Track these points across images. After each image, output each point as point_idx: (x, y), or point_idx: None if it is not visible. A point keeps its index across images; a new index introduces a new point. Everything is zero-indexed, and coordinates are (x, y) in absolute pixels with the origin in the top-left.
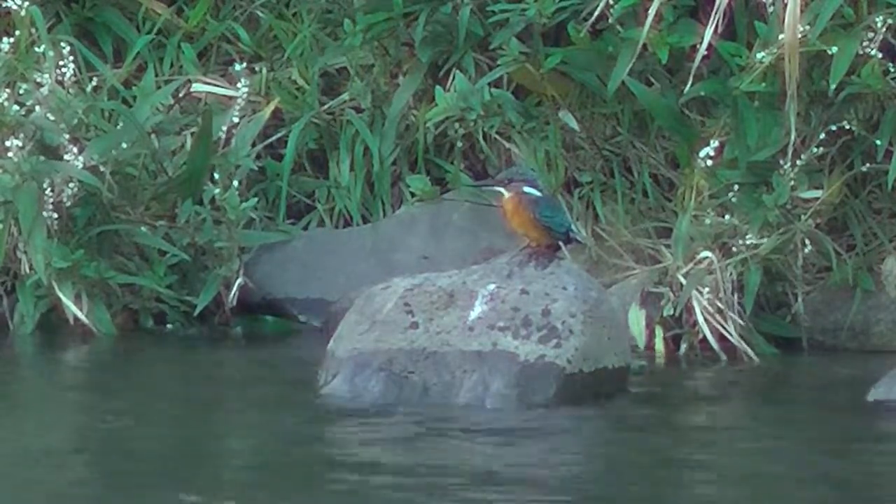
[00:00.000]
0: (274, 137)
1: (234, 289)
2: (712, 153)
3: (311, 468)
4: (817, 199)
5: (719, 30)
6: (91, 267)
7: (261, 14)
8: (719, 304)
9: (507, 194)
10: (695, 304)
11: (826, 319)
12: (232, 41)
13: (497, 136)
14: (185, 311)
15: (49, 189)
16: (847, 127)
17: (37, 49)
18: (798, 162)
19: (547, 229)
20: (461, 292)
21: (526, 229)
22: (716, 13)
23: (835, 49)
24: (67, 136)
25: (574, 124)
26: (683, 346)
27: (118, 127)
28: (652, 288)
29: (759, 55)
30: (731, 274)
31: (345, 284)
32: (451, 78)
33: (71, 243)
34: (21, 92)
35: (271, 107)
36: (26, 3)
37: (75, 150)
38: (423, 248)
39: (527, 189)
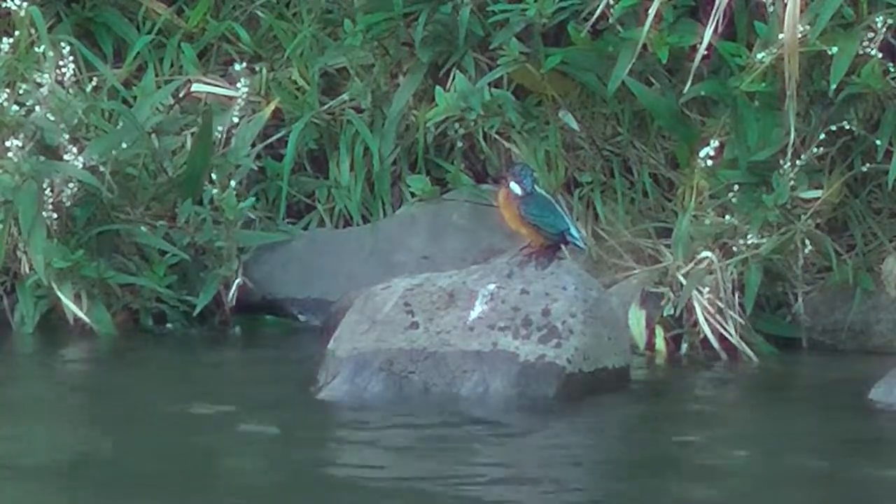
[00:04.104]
0: (274, 137)
1: (234, 289)
2: (712, 153)
3: (311, 469)
4: (817, 199)
5: (719, 30)
6: (91, 267)
7: (261, 14)
8: (719, 304)
9: (502, 187)
10: (695, 304)
11: (826, 319)
12: (232, 41)
13: (497, 136)
14: (185, 311)
15: (49, 189)
16: (847, 127)
17: (37, 49)
18: (798, 162)
19: (535, 227)
20: (461, 292)
21: (516, 225)
22: (716, 13)
23: (835, 49)
24: (67, 136)
25: (574, 124)
26: (684, 346)
27: (118, 127)
28: (652, 288)
29: (759, 55)
30: (731, 274)
31: (345, 284)
32: (451, 78)
33: (71, 243)
34: (21, 92)
35: (271, 107)
36: (26, 4)
37: (75, 150)
38: (423, 248)
39: (512, 184)
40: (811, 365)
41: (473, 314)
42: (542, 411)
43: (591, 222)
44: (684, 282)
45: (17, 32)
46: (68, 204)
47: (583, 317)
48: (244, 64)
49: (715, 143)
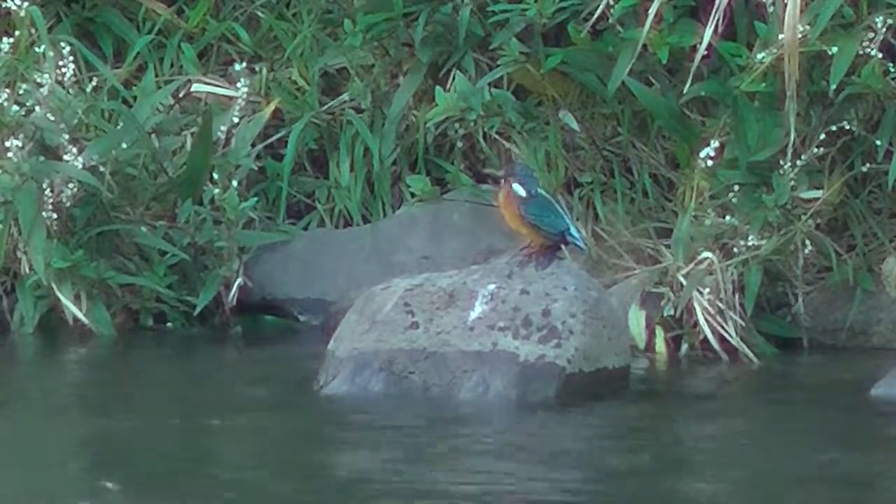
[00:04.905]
0: (274, 137)
1: (234, 289)
2: (712, 153)
3: (310, 468)
4: (817, 199)
5: (719, 30)
6: (91, 267)
7: (261, 14)
8: (720, 305)
9: (504, 187)
10: (695, 304)
11: (826, 319)
12: (232, 41)
13: (497, 136)
14: (185, 311)
15: (49, 189)
16: (847, 127)
17: (37, 49)
18: (798, 162)
19: (534, 227)
20: (461, 292)
21: (516, 224)
22: (716, 13)
23: (835, 49)
24: (67, 137)
25: (574, 124)
26: (684, 347)
27: (118, 127)
28: (652, 288)
29: (759, 55)
30: (731, 274)
31: (345, 284)
32: (451, 78)
33: (71, 243)
34: (21, 92)
35: (271, 107)
36: (26, 4)
37: (75, 150)
38: (423, 249)
39: (515, 185)
40: (811, 365)
41: (473, 314)
42: (541, 412)
43: (591, 222)
44: (684, 282)
45: (17, 32)
46: (68, 204)
47: (583, 317)
48: (244, 64)
49: (715, 143)
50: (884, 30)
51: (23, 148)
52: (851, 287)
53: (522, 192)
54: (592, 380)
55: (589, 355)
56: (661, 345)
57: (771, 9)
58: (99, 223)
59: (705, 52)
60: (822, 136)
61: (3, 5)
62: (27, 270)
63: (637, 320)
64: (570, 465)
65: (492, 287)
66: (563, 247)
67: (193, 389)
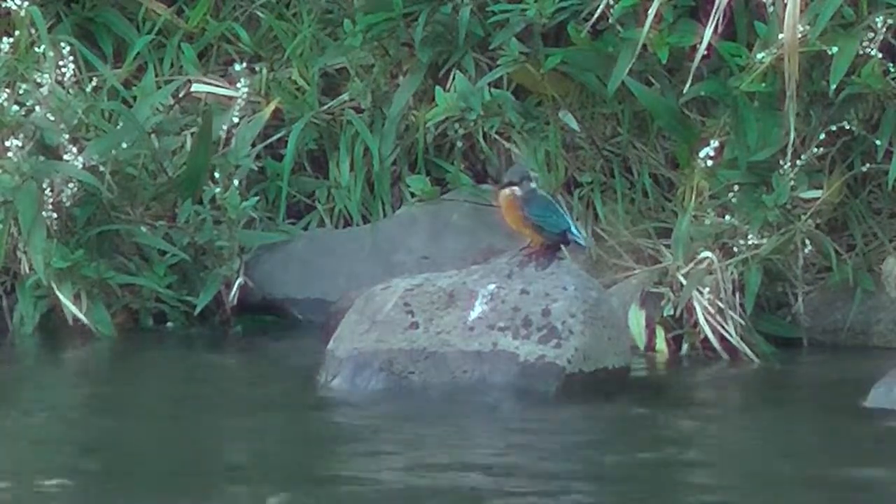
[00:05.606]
0: (274, 137)
1: (235, 288)
2: (712, 153)
3: (310, 469)
4: (817, 199)
5: (719, 30)
6: (91, 267)
7: (261, 14)
8: (720, 305)
9: (519, 192)
10: (695, 304)
11: (826, 319)
12: (232, 41)
13: (497, 136)
14: (186, 311)
15: (49, 189)
16: (847, 127)
17: (37, 49)
18: (798, 162)
19: (538, 228)
20: (461, 292)
21: (518, 226)
22: (716, 13)
23: (835, 49)
24: (67, 136)
25: (574, 124)
26: (684, 347)
27: (118, 127)
28: (652, 288)
29: (759, 55)
30: (731, 274)
31: (345, 284)
32: (451, 78)
33: (71, 243)
34: (21, 92)
35: (271, 107)
36: (26, 4)
37: (75, 150)
38: (423, 249)
39: (533, 185)
40: (811, 365)
41: (473, 314)
42: (541, 412)
43: (591, 222)
44: (684, 282)
45: (17, 32)
46: (68, 204)
47: (583, 317)
48: (244, 64)
49: (715, 143)
50: (884, 30)
51: (23, 148)
52: (851, 287)
53: (540, 192)
54: (592, 380)
55: (589, 355)
56: (661, 344)
57: (771, 9)
58: (99, 223)
59: (705, 52)
60: (822, 136)
61: (3, 5)
62: (27, 270)
63: (637, 320)
64: (570, 464)
65: (492, 287)
66: (563, 246)
67: (193, 389)
